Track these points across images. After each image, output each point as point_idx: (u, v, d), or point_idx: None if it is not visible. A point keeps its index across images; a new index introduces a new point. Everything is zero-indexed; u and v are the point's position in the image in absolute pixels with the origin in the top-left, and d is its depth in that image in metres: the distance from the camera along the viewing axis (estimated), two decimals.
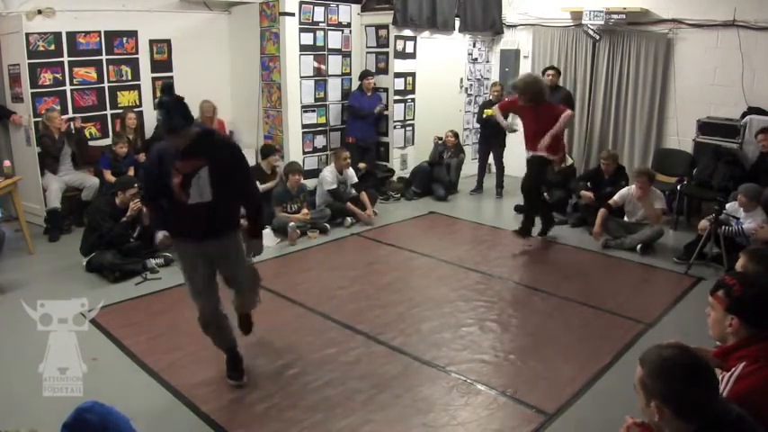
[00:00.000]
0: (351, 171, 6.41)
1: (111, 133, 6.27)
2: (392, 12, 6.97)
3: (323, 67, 7.06)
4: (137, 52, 6.50)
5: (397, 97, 7.38)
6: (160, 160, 2.89)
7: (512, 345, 3.77)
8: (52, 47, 5.82)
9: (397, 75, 7.31)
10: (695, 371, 1.54)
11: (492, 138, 7.44)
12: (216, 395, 3.12)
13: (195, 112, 6.53)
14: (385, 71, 7.28)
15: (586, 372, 3.39)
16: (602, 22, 6.89)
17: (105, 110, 6.33)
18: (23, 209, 5.26)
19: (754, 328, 1.92)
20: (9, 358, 3.41)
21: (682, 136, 6.85)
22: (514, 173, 8.10)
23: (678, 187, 6.21)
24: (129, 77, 6.49)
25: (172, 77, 6.80)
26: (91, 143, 6.12)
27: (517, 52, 8.22)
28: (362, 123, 7.09)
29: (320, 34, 6.92)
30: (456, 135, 7.44)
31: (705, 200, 6.09)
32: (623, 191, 5.73)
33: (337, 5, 7.05)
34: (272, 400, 3.08)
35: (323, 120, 7.20)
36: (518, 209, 6.77)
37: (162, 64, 6.73)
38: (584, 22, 7.04)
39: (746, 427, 1.57)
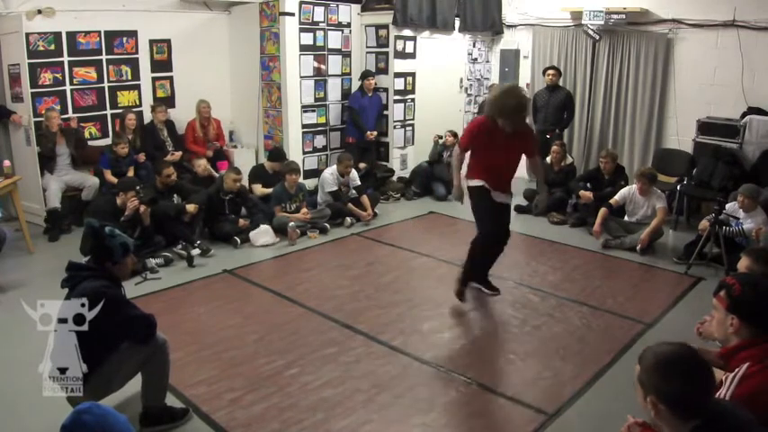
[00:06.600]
0: (354, 173, 6.40)
1: (111, 133, 6.27)
2: (392, 12, 6.97)
3: (323, 67, 7.06)
4: (137, 52, 6.50)
5: (396, 97, 7.38)
6: None
7: (512, 345, 3.77)
8: (52, 47, 5.82)
9: (397, 75, 7.30)
10: (690, 368, 1.51)
11: None
12: (216, 395, 3.12)
13: (193, 112, 6.64)
14: (385, 71, 7.28)
15: (586, 372, 3.39)
16: (602, 22, 6.90)
17: (105, 110, 6.34)
18: (23, 209, 5.26)
19: (755, 327, 1.91)
20: (9, 358, 3.41)
21: (682, 136, 6.85)
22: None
23: (678, 187, 6.22)
24: (129, 77, 6.49)
25: (171, 77, 6.82)
26: (91, 143, 6.12)
27: (517, 52, 8.23)
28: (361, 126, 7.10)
29: (320, 34, 6.92)
30: (455, 135, 7.42)
31: (705, 200, 6.09)
32: (624, 190, 5.73)
33: (337, 5, 7.04)
34: (271, 400, 3.08)
35: (323, 120, 7.20)
36: (518, 209, 6.76)
37: (162, 64, 6.74)
38: (584, 22, 7.05)
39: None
